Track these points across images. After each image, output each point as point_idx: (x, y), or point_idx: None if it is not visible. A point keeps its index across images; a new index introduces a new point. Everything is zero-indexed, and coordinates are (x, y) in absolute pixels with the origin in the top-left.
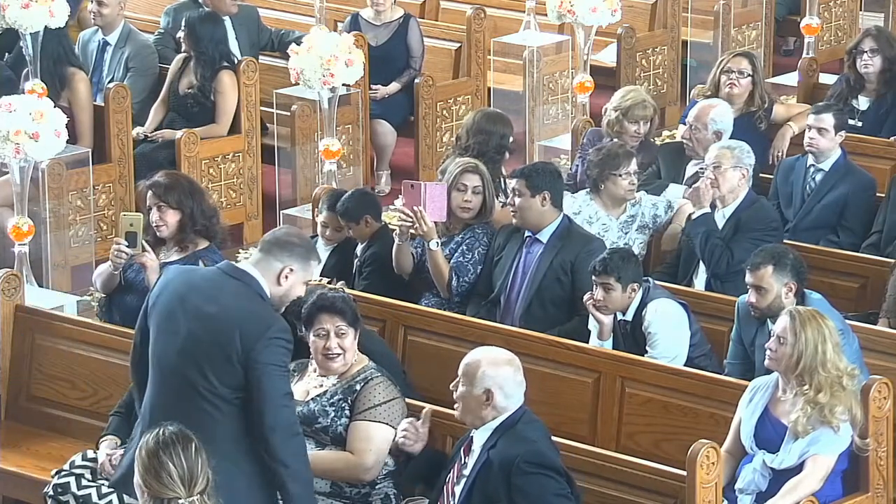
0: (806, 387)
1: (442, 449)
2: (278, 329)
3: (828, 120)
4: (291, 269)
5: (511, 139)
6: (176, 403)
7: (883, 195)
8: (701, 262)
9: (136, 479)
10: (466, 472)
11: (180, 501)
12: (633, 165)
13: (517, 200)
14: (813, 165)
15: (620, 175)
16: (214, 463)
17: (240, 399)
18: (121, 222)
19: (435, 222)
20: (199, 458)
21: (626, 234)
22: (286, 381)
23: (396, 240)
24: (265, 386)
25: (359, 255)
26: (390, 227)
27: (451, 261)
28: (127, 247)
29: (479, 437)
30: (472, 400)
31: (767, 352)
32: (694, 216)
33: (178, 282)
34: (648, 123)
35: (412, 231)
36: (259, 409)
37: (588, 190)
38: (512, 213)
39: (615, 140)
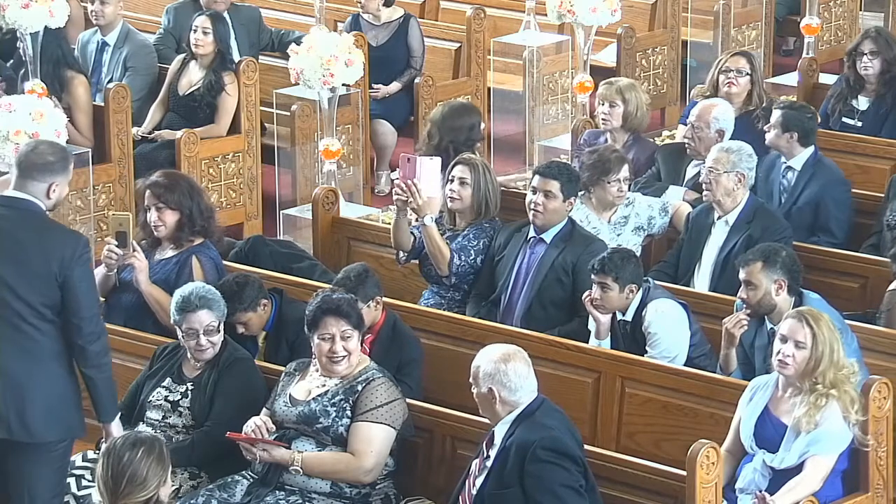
0: (820, 386)
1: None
2: (84, 245)
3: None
4: (57, 184)
5: (482, 125)
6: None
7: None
8: (702, 262)
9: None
10: (489, 463)
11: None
12: (625, 172)
13: (551, 203)
14: (785, 163)
15: (609, 182)
16: (38, 377)
17: (57, 317)
18: (110, 222)
19: (441, 212)
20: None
21: (618, 235)
22: (96, 293)
23: (394, 214)
24: (82, 302)
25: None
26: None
27: (455, 245)
28: (117, 247)
29: (500, 430)
30: (483, 399)
31: (781, 357)
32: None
33: None
34: (618, 108)
35: (409, 206)
36: (77, 325)
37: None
38: (537, 213)
39: (609, 141)
